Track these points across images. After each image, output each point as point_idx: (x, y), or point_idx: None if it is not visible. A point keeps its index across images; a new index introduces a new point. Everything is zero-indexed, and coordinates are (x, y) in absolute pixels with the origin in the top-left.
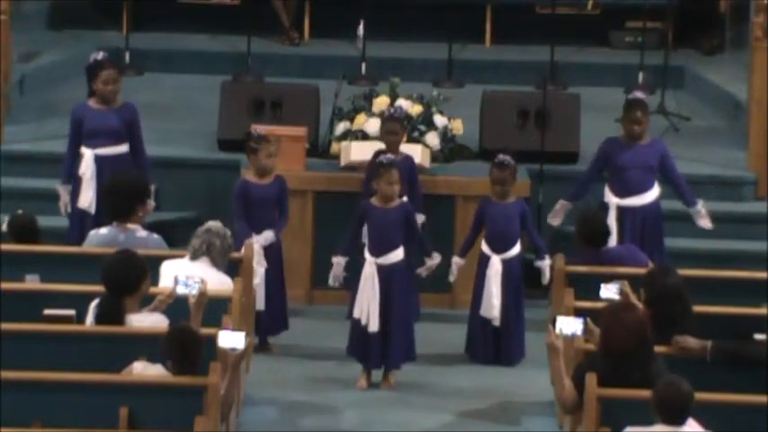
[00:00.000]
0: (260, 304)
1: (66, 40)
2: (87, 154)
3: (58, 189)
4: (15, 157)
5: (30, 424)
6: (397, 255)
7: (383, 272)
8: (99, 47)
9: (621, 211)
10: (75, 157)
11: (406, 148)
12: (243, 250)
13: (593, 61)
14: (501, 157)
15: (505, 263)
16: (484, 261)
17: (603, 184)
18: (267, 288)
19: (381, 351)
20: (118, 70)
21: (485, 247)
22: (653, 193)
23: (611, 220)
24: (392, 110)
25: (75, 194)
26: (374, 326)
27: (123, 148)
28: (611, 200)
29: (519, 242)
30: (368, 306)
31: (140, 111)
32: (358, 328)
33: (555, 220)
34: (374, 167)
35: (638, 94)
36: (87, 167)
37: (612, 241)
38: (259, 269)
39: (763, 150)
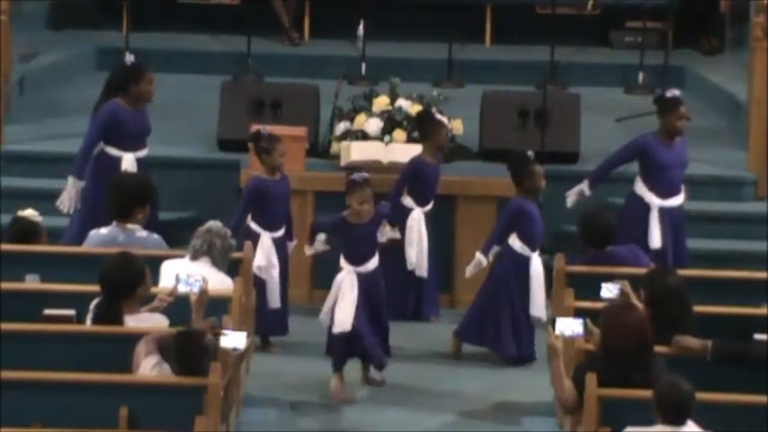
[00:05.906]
0: (274, 301)
1: (67, 40)
2: (128, 157)
3: (70, 182)
4: (15, 157)
5: (30, 424)
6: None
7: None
8: (99, 47)
9: (662, 212)
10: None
11: (405, 148)
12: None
13: (593, 61)
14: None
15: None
16: None
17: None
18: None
19: None
20: None
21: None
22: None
23: (654, 222)
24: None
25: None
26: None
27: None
28: (653, 201)
29: None
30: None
31: None
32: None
33: (571, 197)
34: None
35: (676, 92)
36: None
37: (656, 242)
38: (272, 270)
39: (763, 150)
